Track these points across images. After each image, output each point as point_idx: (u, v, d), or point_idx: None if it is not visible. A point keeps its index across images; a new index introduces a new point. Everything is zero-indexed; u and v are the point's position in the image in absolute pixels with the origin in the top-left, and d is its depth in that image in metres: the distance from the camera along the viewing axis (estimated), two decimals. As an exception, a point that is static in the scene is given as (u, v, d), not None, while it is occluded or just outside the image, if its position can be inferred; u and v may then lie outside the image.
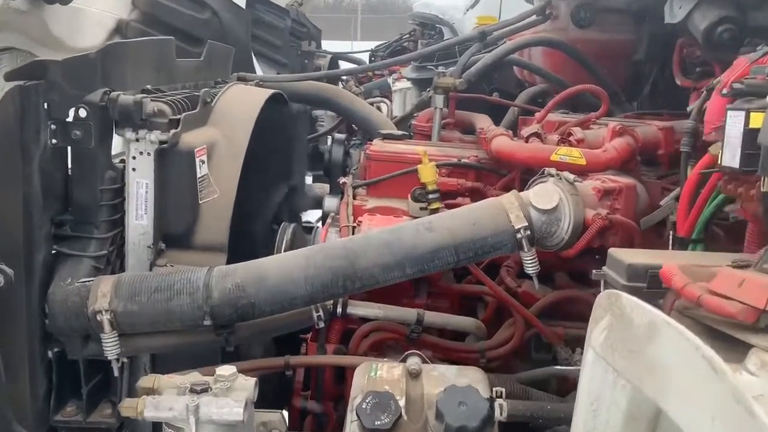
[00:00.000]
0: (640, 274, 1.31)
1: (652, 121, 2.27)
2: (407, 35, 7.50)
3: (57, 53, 2.07)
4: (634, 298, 1.02)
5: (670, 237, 1.75)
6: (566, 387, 2.11)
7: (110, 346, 1.72)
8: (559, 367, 2.02)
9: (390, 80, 6.58)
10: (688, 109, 2.02)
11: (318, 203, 3.40)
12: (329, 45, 7.23)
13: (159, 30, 3.02)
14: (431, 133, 2.79)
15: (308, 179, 4.59)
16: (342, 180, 2.48)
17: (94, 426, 1.90)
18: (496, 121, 2.87)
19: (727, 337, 1.07)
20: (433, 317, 2.01)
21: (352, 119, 3.05)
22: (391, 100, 5.96)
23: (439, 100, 2.72)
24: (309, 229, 3.41)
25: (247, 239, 2.35)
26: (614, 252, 1.41)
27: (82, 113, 1.79)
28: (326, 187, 3.48)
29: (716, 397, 0.81)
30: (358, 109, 2.97)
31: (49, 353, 1.82)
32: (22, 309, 1.72)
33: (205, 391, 1.49)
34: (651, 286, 1.28)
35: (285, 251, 2.38)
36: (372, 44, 8.14)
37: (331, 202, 2.86)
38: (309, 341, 2.05)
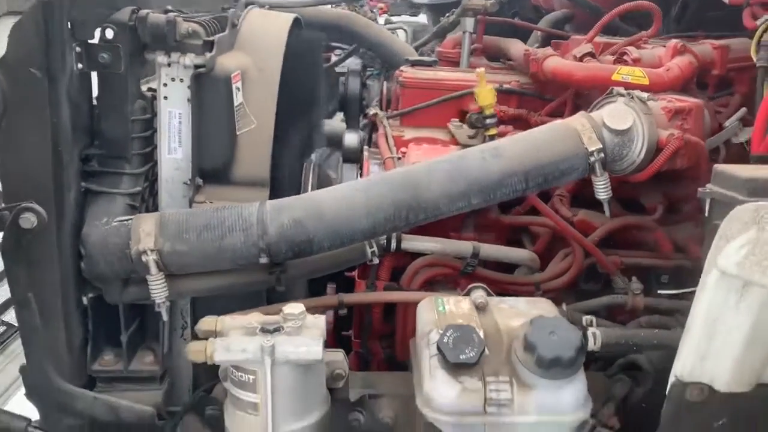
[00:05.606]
0: (763, 188, 1.21)
1: (704, 41, 2.16)
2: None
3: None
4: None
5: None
6: (616, 317, 2.06)
7: (158, 289, 1.60)
8: (619, 295, 1.95)
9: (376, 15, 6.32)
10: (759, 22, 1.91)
11: (331, 140, 3.23)
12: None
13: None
14: (458, 59, 2.63)
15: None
16: (372, 111, 2.33)
17: (135, 375, 1.80)
18: (520, 48, 2.72)
19: None
20: (488, 250, 1.91)
21: (371, 46, 2.86)
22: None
23: (468, 23, 2.55)
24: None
25: (278, 175, 2.19)
26: (723, 168, 1.31)
27: (109, 34, 1.61)
28: (338, 122, 3.30)
29: None
30: (378, 36, 2.79)
31: (84, 299, 1.69)
32: (55, 252, 1.59)
33: (277, 330, 1.38)
34: (775, 204, 1.19)
35: (312, 189, 2.24)
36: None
37: (351, 138, 2.70)
38: (357, 279, 1.95)
